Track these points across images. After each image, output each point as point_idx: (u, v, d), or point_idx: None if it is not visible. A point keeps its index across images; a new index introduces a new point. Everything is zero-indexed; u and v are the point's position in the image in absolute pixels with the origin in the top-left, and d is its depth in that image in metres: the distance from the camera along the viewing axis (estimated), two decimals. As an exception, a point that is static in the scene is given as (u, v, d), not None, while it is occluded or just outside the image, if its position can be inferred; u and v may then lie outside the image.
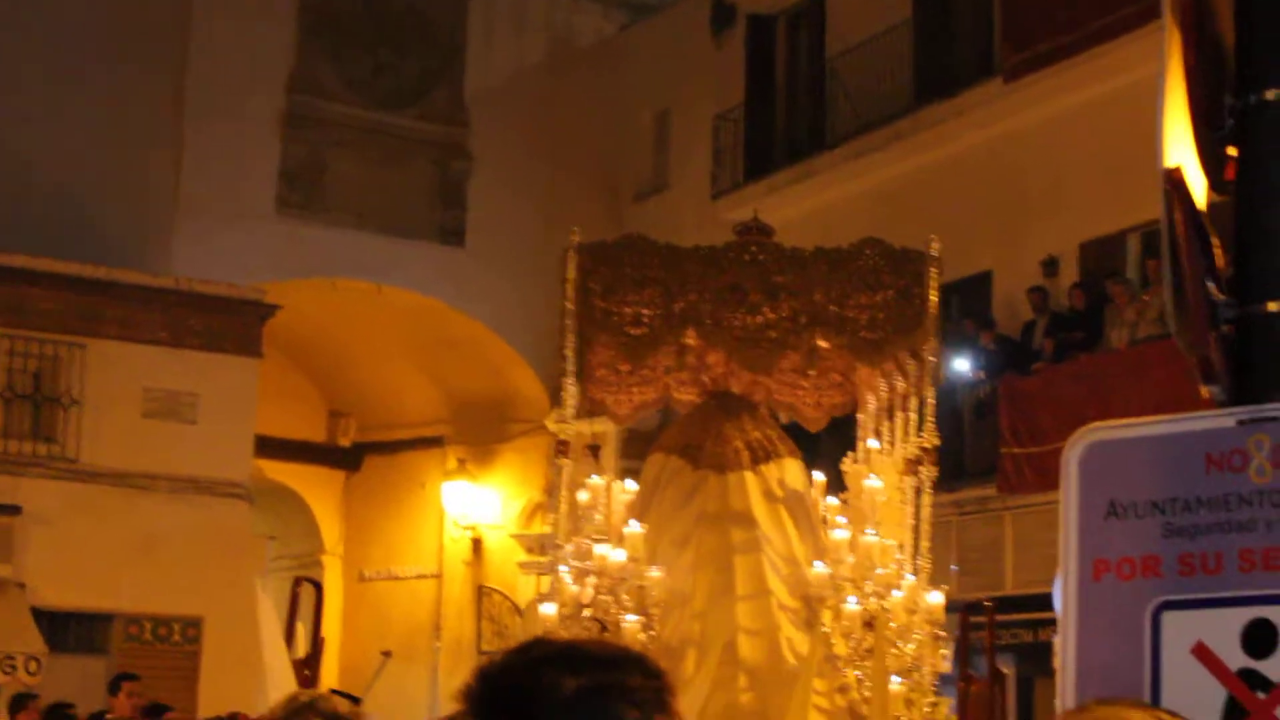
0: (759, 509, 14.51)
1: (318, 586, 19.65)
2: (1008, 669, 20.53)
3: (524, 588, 28.88)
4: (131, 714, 17.17)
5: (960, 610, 16.47)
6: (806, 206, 25.43)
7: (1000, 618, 19.31)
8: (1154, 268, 20.15)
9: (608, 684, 2.82)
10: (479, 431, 30.49)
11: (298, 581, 17.42)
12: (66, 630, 23.37)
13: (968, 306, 23.61)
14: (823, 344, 14.56)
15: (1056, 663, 4.13)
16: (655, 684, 2.86)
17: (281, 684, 14.83)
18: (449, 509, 30.61)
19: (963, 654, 12.29)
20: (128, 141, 26.56)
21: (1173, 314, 4.08)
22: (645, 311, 14.20)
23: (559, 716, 2.80)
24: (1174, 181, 3.89)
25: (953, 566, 20.89)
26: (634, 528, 14.07)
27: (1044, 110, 22.66)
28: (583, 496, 14.66)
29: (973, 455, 22.18)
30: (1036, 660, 20.15)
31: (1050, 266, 22.71)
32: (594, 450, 15.86)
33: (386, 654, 27.67)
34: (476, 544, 30.54)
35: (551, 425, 14.73)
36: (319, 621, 18.88)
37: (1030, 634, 20.23)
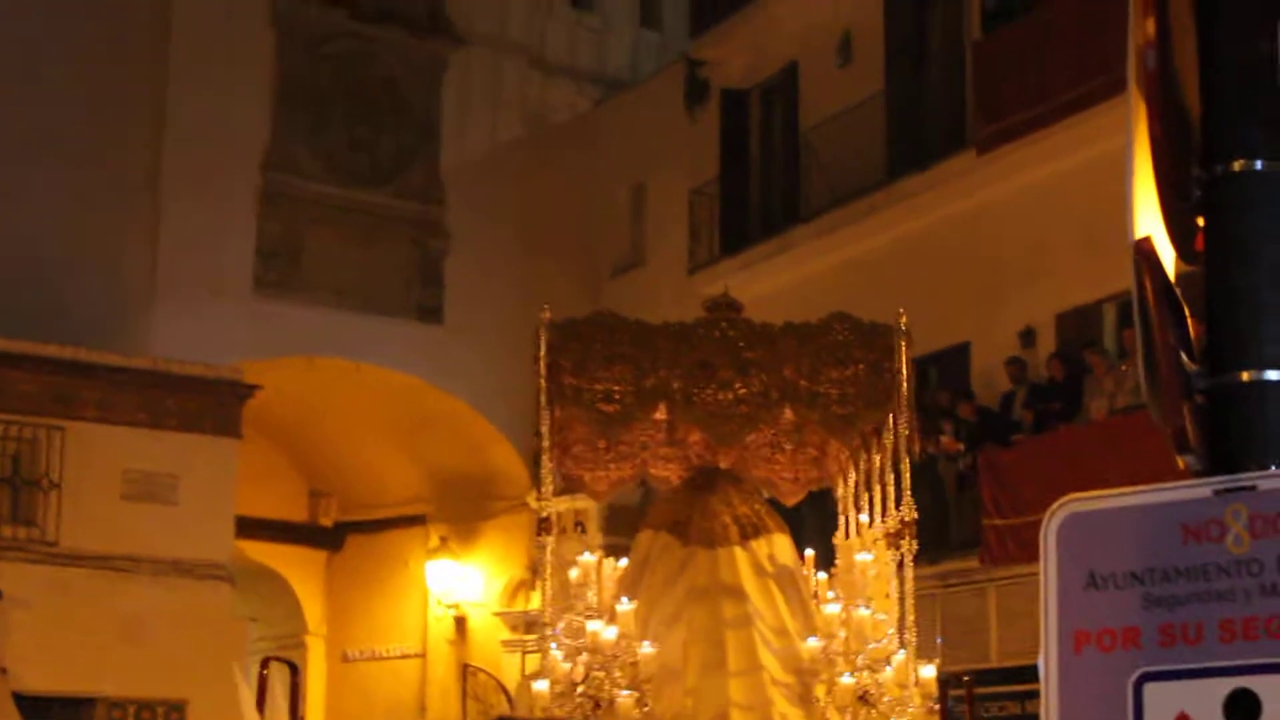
0: (749, 584, 14.52)
1: (293, 667, 19.50)
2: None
3: (509, 666, 28.79)
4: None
5: (941, 683, 16.45)
6: (783, 280, 25.48)
7: (986, 690, 19.25)
8: (1130, 337, 20.17)
9: None
10: (461, 509, 30.43)
11: (265, 662, 17.25)
12: (49, 715, 23.19)
13: (946, 378, 23.63)
14: (790, 418, 14.60)
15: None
16: None
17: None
18: (432, 587, 30.53)
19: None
20: (103, 221, 26.58)
21: (1146, 385, 4.09)
22: (616, 388, 14.25)
23: None
24: (1143, 252, 3.91)
25: (938, 639, 20.85)
26: (625, 605, 14.07)
27: (1018, 181, 22.74)
28: (574, 574, 14.65)
29: (956, 527, 22.16)
30: (1022, 733, 20.11)
31: (1028, 337, 22.75)
32: (581, 527, 15.86)
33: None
34: (460, 622, 30.44)
35: (532, 503, 14.74)
36: (296, 702, 18.75)
37: (1018, 706, 20.17)
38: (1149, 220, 3.96)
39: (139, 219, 26.87)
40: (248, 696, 16.72)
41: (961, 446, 22.22)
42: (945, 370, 23.71)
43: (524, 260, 29.19)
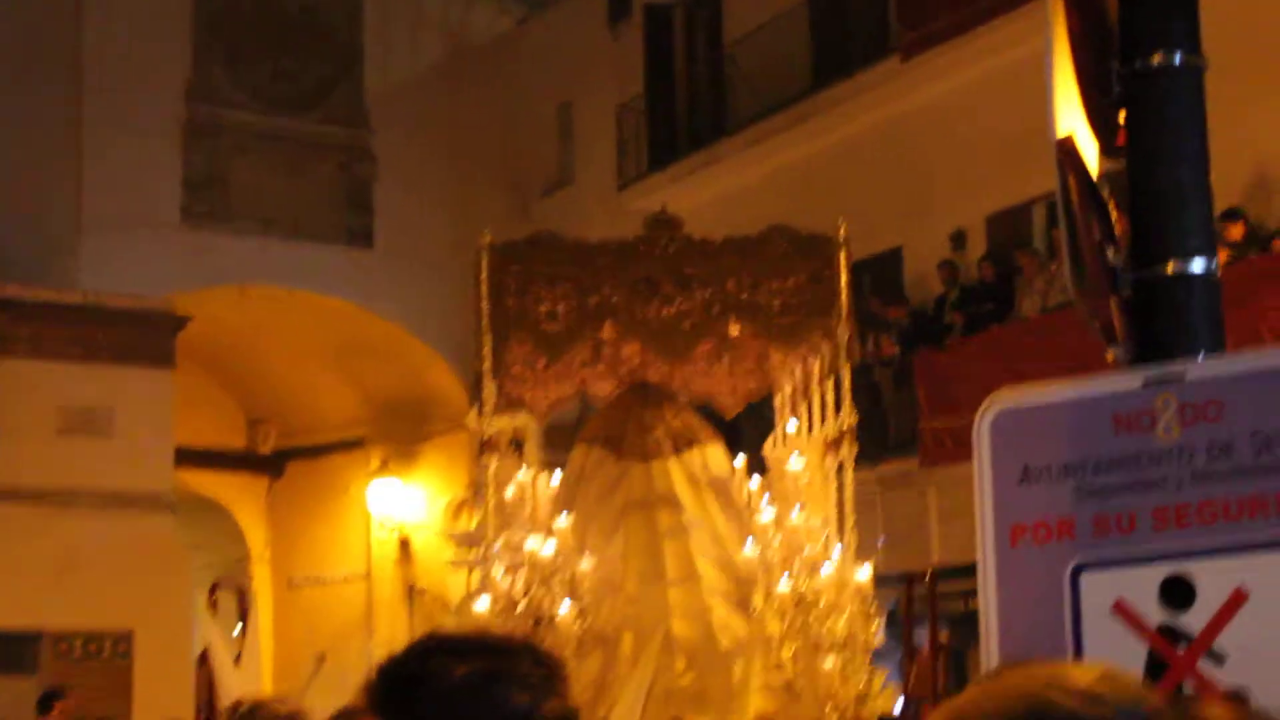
0: (684, 494, 14.63)
1: (242, 591, 19.55)
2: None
3: (454, 585, 28.83)
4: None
5: (893, 584, 16.56)
6: (712, 193, 25.47)
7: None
8: (1059, 237, 20.27)
9: (496, 670, 2.84)
10: (400, 432, 30.41)
11: (213, 589, 17.26)
12: (-7, 650, 23.21)
13: (879, 284, 23.71)
14: (735, 331, 14.67)
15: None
16: (546, 671, 2.88)
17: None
18: (374, 510, 30.54)
19: (907, 625, 12.40)
20: (27, 156, 26.37)
21: (1072, 281, 4.13)
22: (560, 307, 14.30)
23: (445, 702, 2.83)
24: (1066, 150, 3.94)
25: (879, 540, 20.97)
26: (562, 520, 14.13)
27: (942, 86, 22.78)
28: (510, 492, 14.69)
29: (894, 430, 22.28)
30: (968, 630, 20.24)
31: (958, 240, 22.85)
32: (518, 445, 15.88)
33: (320, 658, 27.56)
34: (404, 544, 30.47)
35: (472, 424, 14.76)
36: (247, 626, 18.74)
37: (961, 604, 20.32)
38: (1071, 118, 3.99)
39: (63, 155, 26.66)
40: (211, 622, 16.65)
41: (897, 350, 22.33)
42: (878, 276, 23.79)
43: (453, 182, 29.11)
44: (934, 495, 21.32)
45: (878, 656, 14.25)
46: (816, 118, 24.54)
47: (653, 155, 27.71)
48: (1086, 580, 3.81)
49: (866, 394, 21.34)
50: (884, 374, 22.48)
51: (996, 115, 21.53)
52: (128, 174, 26.78)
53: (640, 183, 27.21)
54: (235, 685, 14.26)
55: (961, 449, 19.54)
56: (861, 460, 14.61)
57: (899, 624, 16.77)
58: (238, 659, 16.00)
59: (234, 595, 18.60)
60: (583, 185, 29.22)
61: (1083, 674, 2.26)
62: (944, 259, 22.68)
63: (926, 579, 12.51)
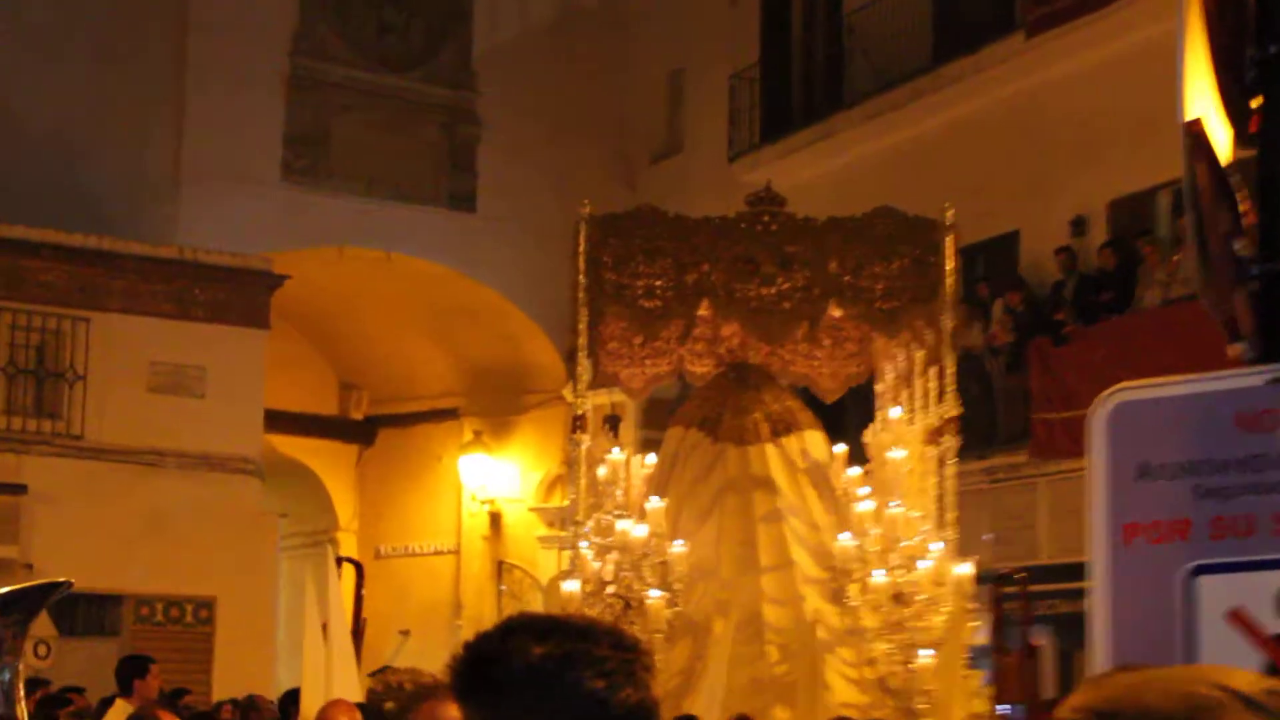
0: (781, 479, 14.61)
1: (359, 566, 19.69)
2: (1044, 641, 20.52)
3: (544, 562, 28.93)
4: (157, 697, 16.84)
5: (991, 582, 16.47)
6: (825, 168, 25.39)
7: (1037, 588, 19.29)
8: (1184, 225, 20.12)
9: (574, 652, 2.86)
10: (495, 403, 30.50)
11: (339, 561, 17.35)
12: (75, 612, 23.37)
13: (993, 268, 23.58)
14: (836, 314, 14.64)
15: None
16: (626, 655, 2.89)
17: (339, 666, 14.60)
18: (466, 482, 30.64)
19: (997, 626, 12.33)
20: (128, 108, 26.54)
21: (1198, 272, 4.09)
22: (657, 283, 14.32)
23: (519, 684, 2.85)
24: (1195, 135, 3.90)
25: (986, 536, 20.89)
26: (655, 503, 14.15)
27: (1068, 65, 22.59)
28: (602, 472, 14.72)
29: (1004, 421, 22.16)
30: (1076, 631, 20.13)
31: (1079, 226, 22.67)
32: (612, 423, 15.90)
33: (405, 633, 27.71)
34: (495, 518, 30.57)
35: (569, 397, 14.81)
36: (360, 601, 18.80)
37: (1069, 604, 20.20)
38: (1202, 102, 3.95)
39: (165, 107, 26.84)
40: (316, 595, 16.65)
41: (1010, 338, 22.21)
42: (993, 259, 23.64)
43: (558, 147, 29.11)
44: (1044, 490, 21.19)
45: (978, 656, 14.20)
46: (936, 93, 24.40)
47: (765, 127, 27.63)
48: (1203, 584, 3.78)
49: (977, 383, 21.24)
50: (995, 363, 22.35)
51: (1123, 96, 21.34)
52: (229, 127, 26.95)
53: (751, 155, 27.14)
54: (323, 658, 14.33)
55: (1074, 443, 19.42)
56: (969, 452, 14.55)
57: (1009, 622, 16.68)
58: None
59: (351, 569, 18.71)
60: (691, 155, 29.18)
61: (1243, 678, 2.25)
62: (1063, 244, 22.52)
63: (1016, 578, 12.43)
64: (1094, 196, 22.59)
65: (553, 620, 2.95)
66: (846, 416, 18.21)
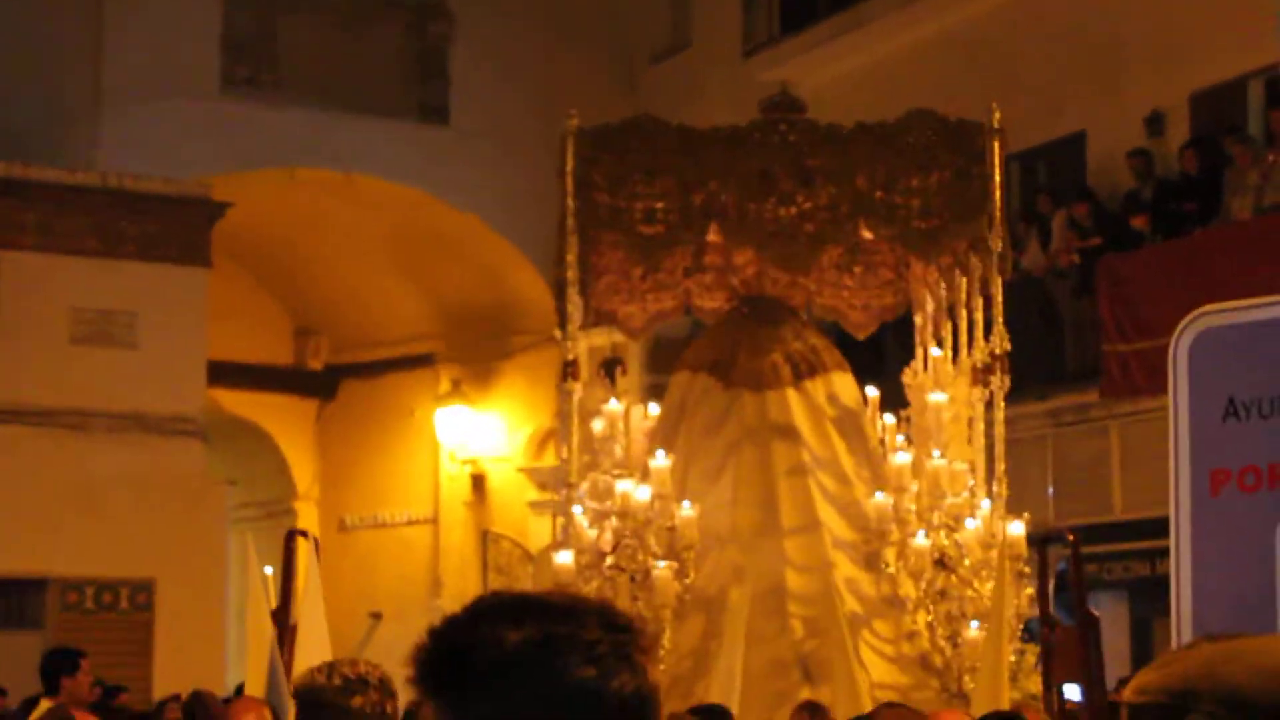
0: (805, 427, 14.60)
1: (315, 540, 19.68)
2: (1115, 609, 20.56)
3: (537, 531, 28.96)
4: (89, 696, 16.74)
5: (1064, 542, 16.50)
6: (854, 64, 25.36)
7: (1108, 548, 19.31)
8: None
9: (557, 636, 2.81)
10: (475, 347, 30.52)
11: (290, 536, 17.31)
12: (-8, 598, 23.50)
13: (1056, 176, 23.56)
14: (868, 236, 14.62)
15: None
16: (620, 637, 2.84)
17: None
18: (444, 440, 30.68)
19: (1043, 595, 12.33)
20: (38, 17, 26.48)
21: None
22: (659, 206, 14.32)
23: (492, 677, 2.81)
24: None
25: (1049, 490, 20.92)
26: (660, 460, 14.13)
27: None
28: (597, 426, 14.71)
29: (1072, 354, 22.16)
30: (1154, 597, 20.17)
31: (1155, 124, 22.66)
32: (608, 369, 15.90)
33: (376, 616, 27.80)
34: (478, 481, 30.63)
35: (560, 339, 14.75)
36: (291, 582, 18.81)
37: (1146, 566, 20.24)
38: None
39: (80, 13, 26.76)
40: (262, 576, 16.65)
41: (1076, 258, 22.20)
42: (1056, 166, 23.64)
43: (545, 47, 29.05)
44: (1116, 434, 21.22)
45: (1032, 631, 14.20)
46: (984, -28, 24.40)
47: (785, 16, 27.58)
48: (1304, 537, 3.76)
49: (1039, 312, 21.25)
50: (1060, 287, 22.34)
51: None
52: (156, 36, 26.85)
53: (769, 49, 27.13)
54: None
55: (1152, 378, 19.44)
56: (1027, 393, 14.54)
57: (1069, 589, 16.69)
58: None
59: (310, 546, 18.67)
60: (701, 51, 29.13)
61: None
62: (1137, 146, 22.49)
63: (1070, 538, 12.41)
64: (1172, 90, 22.55)
65: (530, 599, 2.90)
66: (886, 356, 18.23)
